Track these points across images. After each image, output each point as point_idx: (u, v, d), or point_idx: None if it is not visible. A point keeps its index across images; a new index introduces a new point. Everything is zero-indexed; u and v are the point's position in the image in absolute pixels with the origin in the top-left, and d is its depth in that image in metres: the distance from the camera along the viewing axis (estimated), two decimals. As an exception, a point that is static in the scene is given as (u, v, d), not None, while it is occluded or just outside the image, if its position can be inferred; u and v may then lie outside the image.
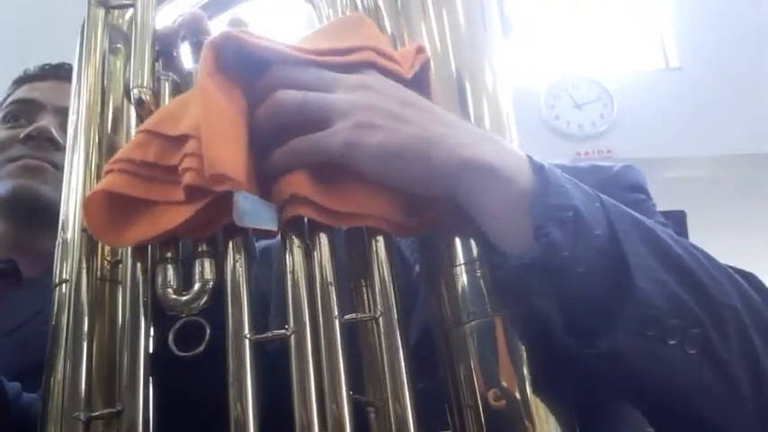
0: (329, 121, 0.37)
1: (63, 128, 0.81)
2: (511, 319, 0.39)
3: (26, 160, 0.80)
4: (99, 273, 0.40)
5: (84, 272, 0.40)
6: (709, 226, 3.04)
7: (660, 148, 3.43)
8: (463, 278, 0.40)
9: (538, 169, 0.36)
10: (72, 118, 0.49)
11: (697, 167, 3.64)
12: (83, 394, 0.36)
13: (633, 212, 0.38)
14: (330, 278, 0.37)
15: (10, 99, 0.87)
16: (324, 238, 0.38)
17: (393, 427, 0.35)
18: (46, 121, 0.82)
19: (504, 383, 0.38)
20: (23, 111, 0.85)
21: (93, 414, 0.35)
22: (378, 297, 0.37)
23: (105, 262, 0.41)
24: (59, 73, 0.87)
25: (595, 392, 0.40)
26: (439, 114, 0.38)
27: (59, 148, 0.80)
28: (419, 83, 0.42)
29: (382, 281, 0.38)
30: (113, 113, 0.49)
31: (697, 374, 0.34)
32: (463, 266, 0.41)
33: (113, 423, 0.35)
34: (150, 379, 0.36)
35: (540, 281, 0.34)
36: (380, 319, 0.37)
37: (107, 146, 0.47)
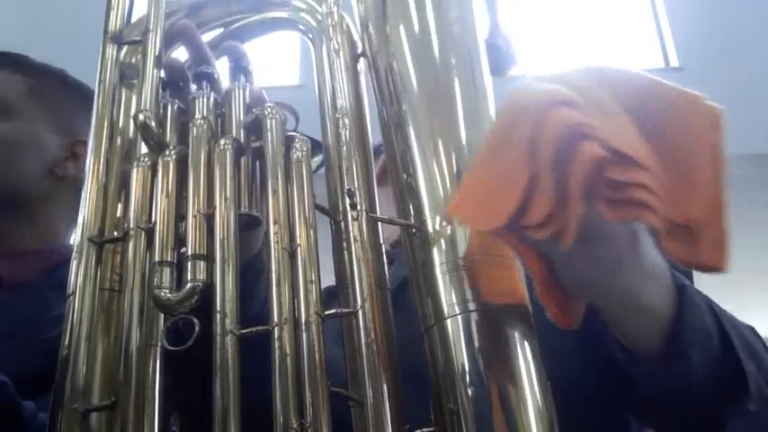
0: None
1: None
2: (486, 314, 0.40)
3: None
4: (103, 284, 0.44)
5: (90, 283, 0.43)
6: None
7: None
8: (443, 276, 0.42)
9: (681, 289, 0.43)
10: (89, 146, 0.53)
11: None
12: (81, 389, 0.38)
13: (727, 314, 0.48)
14: (312, 277, 0.39)
15: None
16: (308, 240, 0.41)
17: (371, 423, 0.36)
18: None
19: (484, 379, 0.39)
20: None
21: (91, 406, 0.38)
22: (357, 294, 0.39)
23: (109, 273, 0.44)
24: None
25: None
26: (637, 251, 0.39)
27: None
28: None
29: (361, 278, 0.39)
30: (124, 141, 0.53)
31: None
32: (445, 265, 0.42)
33: (114, 415, 0.38)
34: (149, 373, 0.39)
35: (674, 391, 0.43)
36: (359, 314, 0.38)
37: (117, 173, 0.51)
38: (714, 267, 0.34)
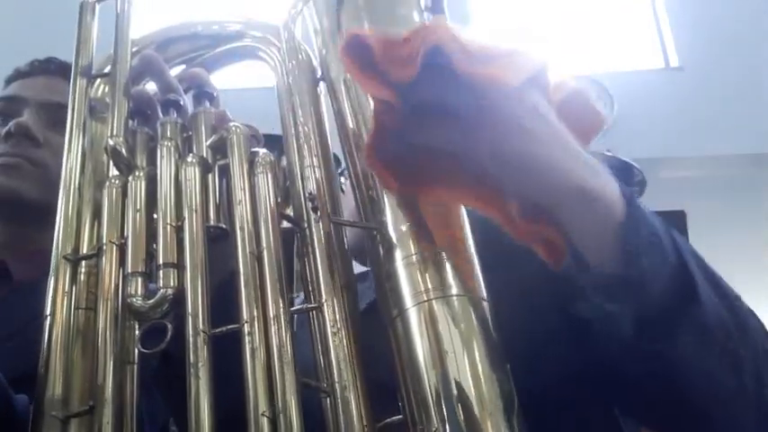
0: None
1: (48, 123, 0.81)
2: (450, 303, 0.43)
3: (3, 158, 0.79)
4: (79, 303, 0.46)
5: (66, 302, 0.45)
6: (710, 226, 2.96)
7: (660, 148, 3.37)
8: (405, 270, 0.45)
9: (629, 199, 0.43)
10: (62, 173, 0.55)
11: (697, 167, 3.59)
12: (59, 396, 0.40)
13: (689, 244, 0.47)
14: (278, 277, 0.42)
15: None
16: (273, 244, 0.43)
17: (340, 411, 0.38)
18: (25, 117, 0.81)
19: (448, 366, 0.41)
20: (8, 108, 0.83)
21: (70, 413, 0.39)
22: (322, 290, 0.42)
23: (85, 294, 0.46)
24: (48, 68, 0.86)
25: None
26: (560, 133, 0.41)
27: (38, 143, 0.80)
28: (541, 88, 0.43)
29: (324, 273, 0.42)
30: (96, 169, 0.56)
31: (723, 378, 0.44)
32: (406, 259, 0.45)
33: (91, 421, 0.39)
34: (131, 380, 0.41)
35: (623, 292, 0.41)
36: (324, 307, 0.41)
37: (91, 199, 0.53)
38: (500, 80, 0.37)
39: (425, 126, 0.42)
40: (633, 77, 3.77)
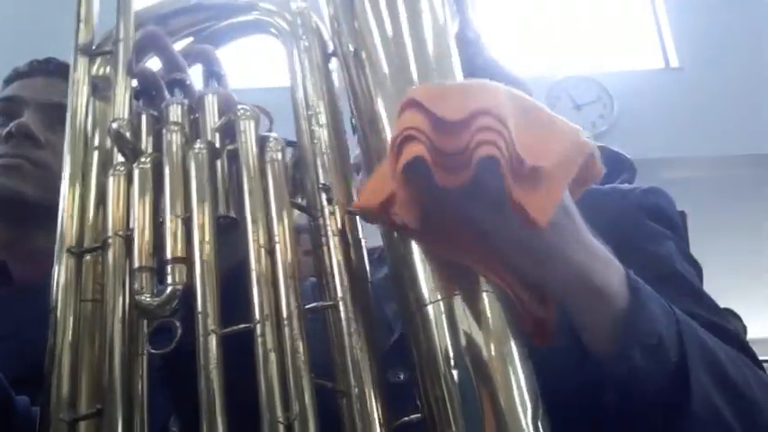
0: None
1: (48, 123, 0.80)
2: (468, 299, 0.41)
3: (4, 159, 0.79)
4: (85, 295, 0.44)
5: (71, 295, 0.44)
6: (709, 226, 2.96)
7: (660, 149, 3.41)
8: (423, 264, 0.42)
9: (634, 290, 0.42)
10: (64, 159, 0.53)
11: (697, 167, 3.62)
12: (66, 399, 0.39)
13: (700, 333, 0.45)
14: (291, 273, 0.40)
15: None
16: (286, 237, 0.41)
17: (357, 412, 0.37)
18: (26, 118, 0.80)
19: (467, 363, 0.39)
20: (8, 109, 0.83)
21: (77, 416, 0.38)
22: (337, 286, 0.40)
23: (90, 284, 0.44)
24: (47, 68, 0.86)
25: None
26: (578, 226, 0.42)
27: (39, 144, 0.80)
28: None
29: (340, 270, 0.40)
30: (100, 152, 0.53)
31: None
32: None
33: (100, 423, 0.38)
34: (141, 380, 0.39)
35: (615, 390, 0.41)
36: (339, 305, 0.39)
37: (95, 186, 0.51)
38: (533, 219, 0.35)
39: (459, 201, 0.40)
40: (633, 77, 3.77)
